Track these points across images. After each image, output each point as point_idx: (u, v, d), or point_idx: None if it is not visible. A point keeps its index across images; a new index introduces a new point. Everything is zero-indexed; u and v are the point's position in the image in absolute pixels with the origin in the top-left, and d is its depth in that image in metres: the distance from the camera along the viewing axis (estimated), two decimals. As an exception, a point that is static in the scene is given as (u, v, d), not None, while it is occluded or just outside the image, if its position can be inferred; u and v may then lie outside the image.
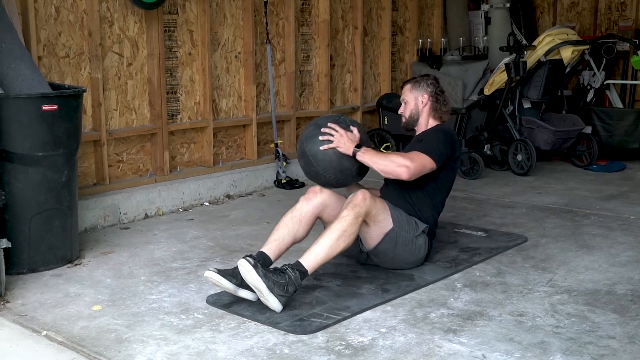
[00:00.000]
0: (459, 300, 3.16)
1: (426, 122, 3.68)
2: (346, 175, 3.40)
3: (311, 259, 3.03)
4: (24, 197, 3.51)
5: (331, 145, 3.33)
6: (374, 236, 3.34)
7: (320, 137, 3.35)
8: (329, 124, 3.38)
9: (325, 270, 3.43)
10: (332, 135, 3.34)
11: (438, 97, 3.67)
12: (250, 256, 3.04)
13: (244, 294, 3.06)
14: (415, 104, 3.67)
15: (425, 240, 3.52)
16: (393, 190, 3.56)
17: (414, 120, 3.69)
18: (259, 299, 3.02)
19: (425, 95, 3.66)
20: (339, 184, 3.46)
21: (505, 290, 3.29)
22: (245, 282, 3.01)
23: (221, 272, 3.06)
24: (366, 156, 3.32)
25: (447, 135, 3.56)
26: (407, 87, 3.73)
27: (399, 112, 3.77)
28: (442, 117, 3.70)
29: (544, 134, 6.05)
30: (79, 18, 4.50)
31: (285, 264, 3.04)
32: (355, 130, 3.42)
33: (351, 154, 3.33)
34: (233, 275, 3.05)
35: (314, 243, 3.07)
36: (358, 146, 3.34)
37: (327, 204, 3.37)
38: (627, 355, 2.59)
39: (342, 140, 3.33)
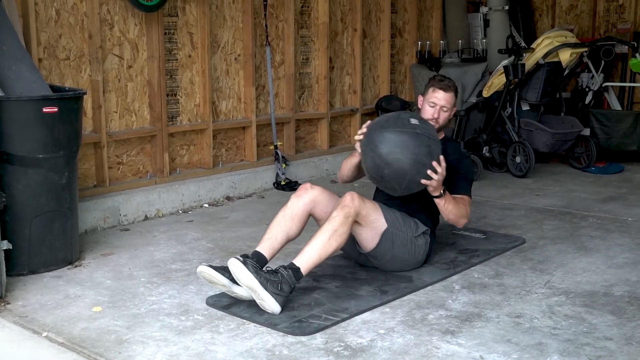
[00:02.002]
0: (457, 302, 3.18)
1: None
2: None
3: (304, 259, 3.04)
4: (24, 198, 3.53)
5: (429, 183, 3.24)
6: (369, 238, 3.36)
7: (429, 171, 3.21)
8: (437, 162, 3.23)
9: (324, 271, 3.45)
10: (436, 173, 3.23)
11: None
12: (242, 256, 3.04)
13: (238, 289, 3.07)
14: (450, 115, 3.65)
15: (426, 242, 3.54)
16: (390, 197, 3.56)
17: (441, 129, 3.66)
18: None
19: (455, 108, 3.72)
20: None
21: (503, 292, 3.31)
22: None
23: (215, 267, 3.08)
24: (446, 203, 3.37)
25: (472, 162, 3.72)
26: (452, 95, 3.60)
27: (433, 115, 3.56)
28: (447, 124, 3.77)
29: (542, 136, 6.07)
30: (80, 20, 4.52)
31: (279, 266, 3.05)
32: (444, 167, 3.28)
33: (436, 195, 3.33)
34: (227, 270, 3.06)
35: (307, 244, 3.09)
36: (444, 190, 3.37)
37: (319, 200, 3.38)
38: (623, 357, 2.61)
39: (439, 182, 3.27)
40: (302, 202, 3.35)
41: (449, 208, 3.38)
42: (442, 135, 3.70)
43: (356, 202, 3.18)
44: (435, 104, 3.59)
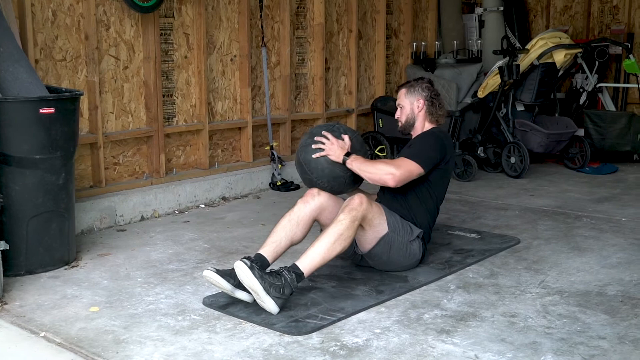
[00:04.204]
0: (452, 302, 3.20)
1: (422, 126, 3.70)
2: (340, 183, 3.46)
3: (307, 262, 3.06)
4: (21, 199, 3.54)
5: (322, 153, 3.41)
6: (368, 239, 3.38)
7: (313, 146, 3.44)
8: (322, 133, 3.46)
9: (320, 271, 3.46)
10: (324, 144, 3.42)
11: (433, 101, 3.69)
12: (246, 258, 3.07)
13: (240, 295, 3.09)
14: (411, 108, 3.69)
15: (420, 245, 3.56)
16: (389, 195, 3.59)
17: (410, 125, 3.71)
18: (254, 300, 3.05)
19: (421, 100, 3.68)
20: (335, 191, 3.50)
21: (497, 292, 3.33)
22: (242, 284, 3.04)
23: (220, 272, 3.09)
24: (355, 164, 3.38)
25: (437, 139, 3.58)
26: (402, 91, 3.75)
27: (395, 117, 3.79)
28: (438, 120, 3.73)
29: (537, 137, 6.10)
30: (76, 21, 4.53)
31: (282, 267, 3.07)
32: (346, 138, 3.47)
33: (341, 162, 3.40)
34: (231, 275, 3.08)
35: (311, 246, 3.11)
36: (348, 154, 3.40)
37: (325, 207, 3.40)
38: (617, 356, 2.64)
39: (332, 148, 3.40)
40: (309, 208, 3.36)
41: (358, 166, 3.38)
42: (429, 127, 3.71)
43: (364, 205, 3.20)
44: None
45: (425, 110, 3.68)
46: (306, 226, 3.34)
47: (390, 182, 3.36)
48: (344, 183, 3.45)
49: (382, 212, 3.38)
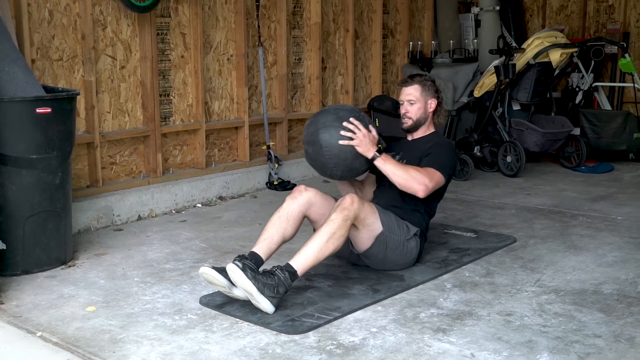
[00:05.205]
0: (448, 300, 3.21)
1: (427, 128, 3.70)
2: (352, 175, 3.42)
3: (301, 261, 3.06)
4: (18, 199, 3.54)
5: (352, 143, 3.28)
6: (364, 239, 3.38)
7: (342, 132, 3.28)
8: (351, 120, 3.30)
9: (317, 271, 3.47)
10: (354, 133, 3.29)
11: (441, 103, 3.71)
12: (239, 259, 3.06)
13: (237, 291, 3.09)
14: (425, 107, 3.64)
15: (417, 243, 3.56)
16: (385, 193, 3.59)
17: (420, 124, 3.66)
18: (251, 300, 3.05)
19: (435, 101, 3.66)
20: (341, 179, 3.47)
21: (494, 290, 3.34)
22: None
23: (216, 269, 3.10)
24: (387, 165, 3.33)
25: (454, 151, 3.64)
26: (416, 87, 3.64)
27: (403, 112, 3.67)
28: (440, 122, 3.75)
29: (533, 136, 6.12)
30: (73, 21, 4.53)
31: (275, 266, 3.07)
32: (374, 131, 3.37)
33: (370, 158, 3.33)
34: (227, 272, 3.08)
35: (304, 245, 3.11)
36: (379, 151, 3.35)
37: (313, 202, 3.40)
38: (612, 354, 2.64)
39: (364, 141, 3.29)
40: (297, 204, 3.37)
41: (391, 168, 3.33)
42: (432, 129, 3.72)
43: (355, 205, 3.20)
44: (403, 100, 3.69)
45: (434, 112, 3.69)
46: (296, 222, 3.34)
47: (421, 193, 3.35)
48: (356, 175, 3.41)
49: (374, 211, 3.38)
